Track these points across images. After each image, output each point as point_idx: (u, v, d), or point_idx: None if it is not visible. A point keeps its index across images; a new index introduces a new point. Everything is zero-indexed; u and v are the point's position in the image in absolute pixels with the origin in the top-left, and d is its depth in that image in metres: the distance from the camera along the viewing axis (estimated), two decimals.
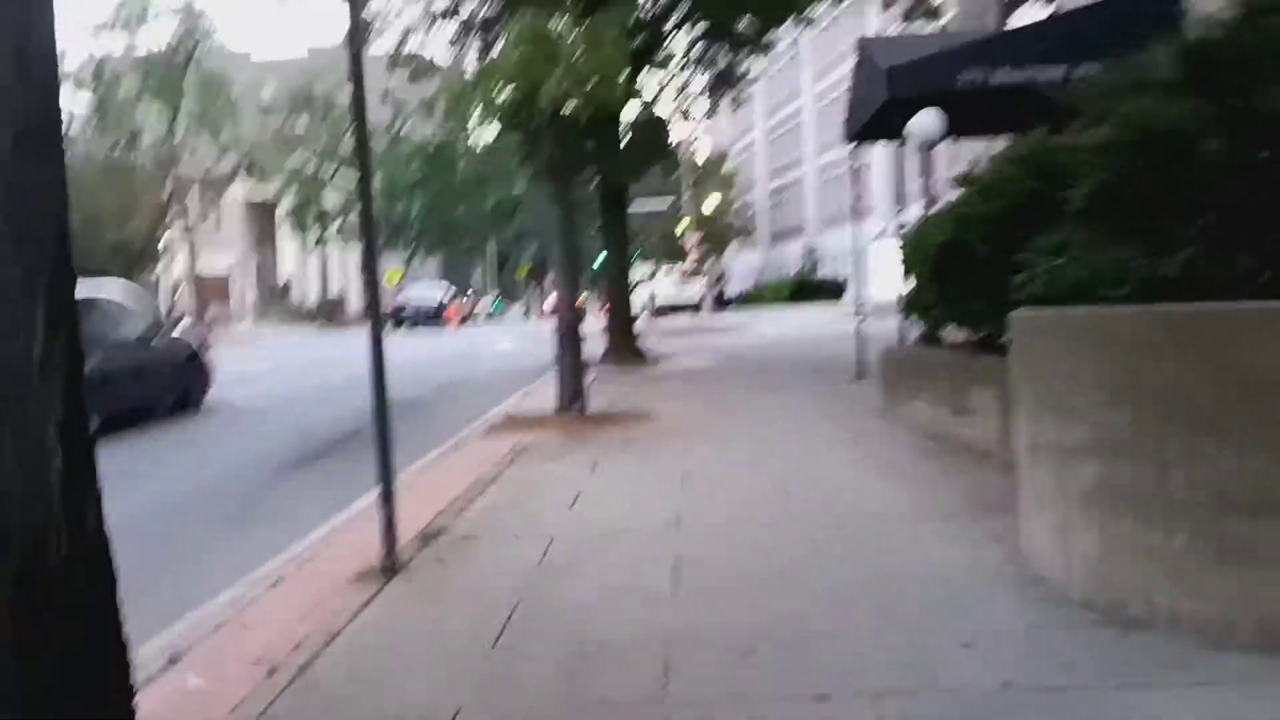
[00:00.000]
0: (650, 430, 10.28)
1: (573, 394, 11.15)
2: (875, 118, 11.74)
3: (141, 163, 41.47)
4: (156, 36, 38.91)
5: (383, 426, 5.71)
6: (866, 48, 12.28)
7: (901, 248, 9.25)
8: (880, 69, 10.91)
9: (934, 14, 18.50)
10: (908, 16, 18.18)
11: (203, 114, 41.16)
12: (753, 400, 12.36)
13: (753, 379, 14.92)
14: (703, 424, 10.49)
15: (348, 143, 57.11)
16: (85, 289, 3.95)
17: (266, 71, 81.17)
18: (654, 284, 38.33)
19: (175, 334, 16.05)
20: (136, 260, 42.07)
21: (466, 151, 66.19)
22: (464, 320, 50.00)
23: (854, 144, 14.06)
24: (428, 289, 48.91)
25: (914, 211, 11.61)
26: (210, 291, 54.26)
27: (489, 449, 9.59)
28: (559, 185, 11.24)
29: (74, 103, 38.60)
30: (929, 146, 10.45)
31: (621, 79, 10.76)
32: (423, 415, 13.23)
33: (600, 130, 14.34)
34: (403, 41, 19.61)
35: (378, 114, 75.20)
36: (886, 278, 13.62)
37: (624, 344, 18.02)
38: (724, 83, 19.06)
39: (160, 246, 39.61)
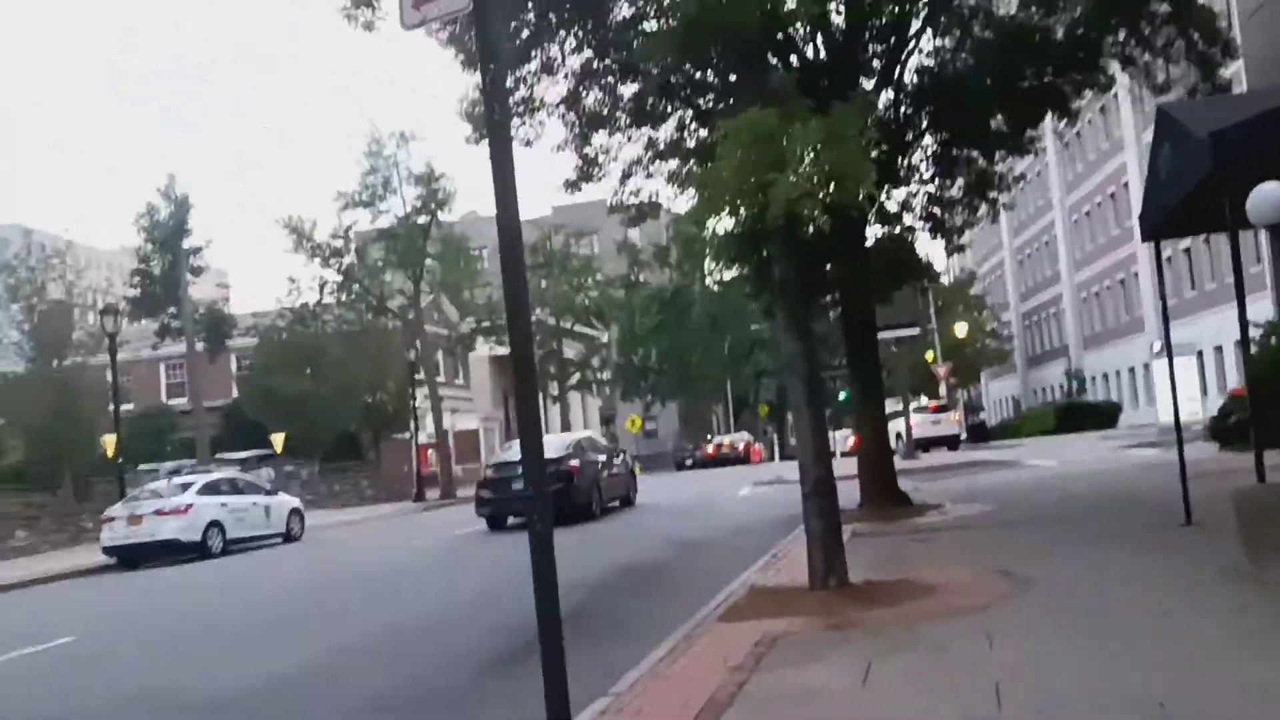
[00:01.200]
0: (933, 610, 8.04)
1: (827, 564, 9.04)
2: (1189, 200, 9.36)
3: (390, 326, 42.49)
4: (399, 204, 40.06)
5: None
6: (1169, 116, 9.96)
7: (1252, 355, 6.81)
8: (1197, 138, 8.60)
9: (1225, 88, 15.89)
10: (1192, 94, 15.62)
11: (444, 277, 41.94)
12: (1057, 559, 9.87)
13: (1047, 528, 12.34)
14: (1002, 599, 8.15)
15: (585, 296, 58.11)
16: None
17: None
18: (902, 419, 35.52)
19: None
20: (390, 420, 42.85)
21: (702, 292, 65.88)
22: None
23: (1151, 241, 11.59)
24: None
25: (1206, 322, 9.05)
26: (461, 447, 54.98)
27: (728, 641, 7.60)
28: (795, 311, 9.36)
29: (326, 273, 40.10)
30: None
31: (865, 181, 8.85)
32: (658, 585, 11.39)
33: (841, 247, 12.49)
34: (624, 183, 18.55)
35: (614, 264, 76.74)
36: (1173, 397, 11.02)
37: (883, 489, 15.70)
38: (982, 187, 16.88)
39: (413, 406, 40.08)
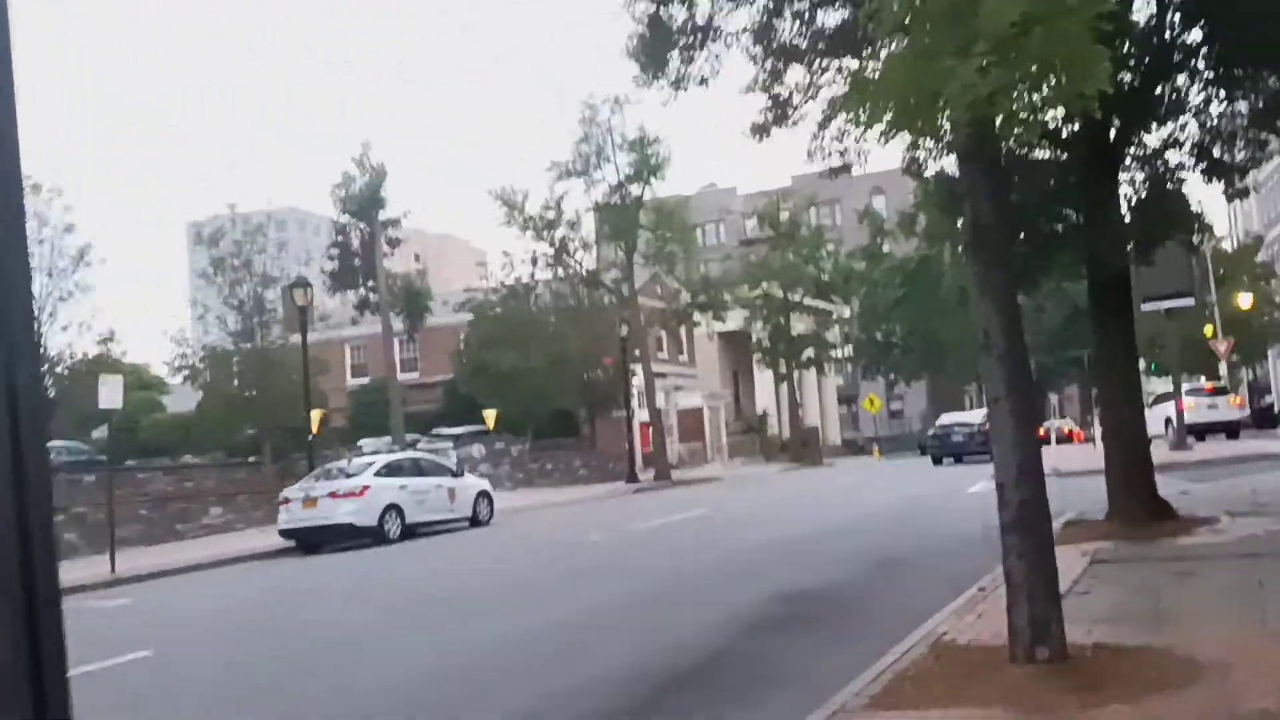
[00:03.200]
0: (1207, 707, 5.20)
1: (1035, 629, 6.25)
2: None
3: (606, 301, 40.99)
4: (613, 173, 38.35)
5: None
6: None
7: None
8: None
9: None
10: None
11: (658, 249, 39.98)
12: None
13: None
14: None
15: (818, 267, 54.90)
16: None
17: (743, 202, 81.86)
18: (1172, 403, 30.63)
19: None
20: (606, 398, 41.41)
21: (952, 261, 61.22)
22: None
23: None
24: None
25: None
26: (685, 425, 53.21)
27: None
28: (989, 262, 6.61)
29: (538, 246, 38.96)
30: None
31: (1095, 71, 5.90)
32: (807, 632, 8.80)
33: (1076, 184, 9.44)
34: (823, 128, 15.78)
35: (856, 234, 72.94)
36: None
37: (1137, 496, 12.39)
38: (1273, 114, 13.12)
39: (627, 383, 38.49)
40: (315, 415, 28.70)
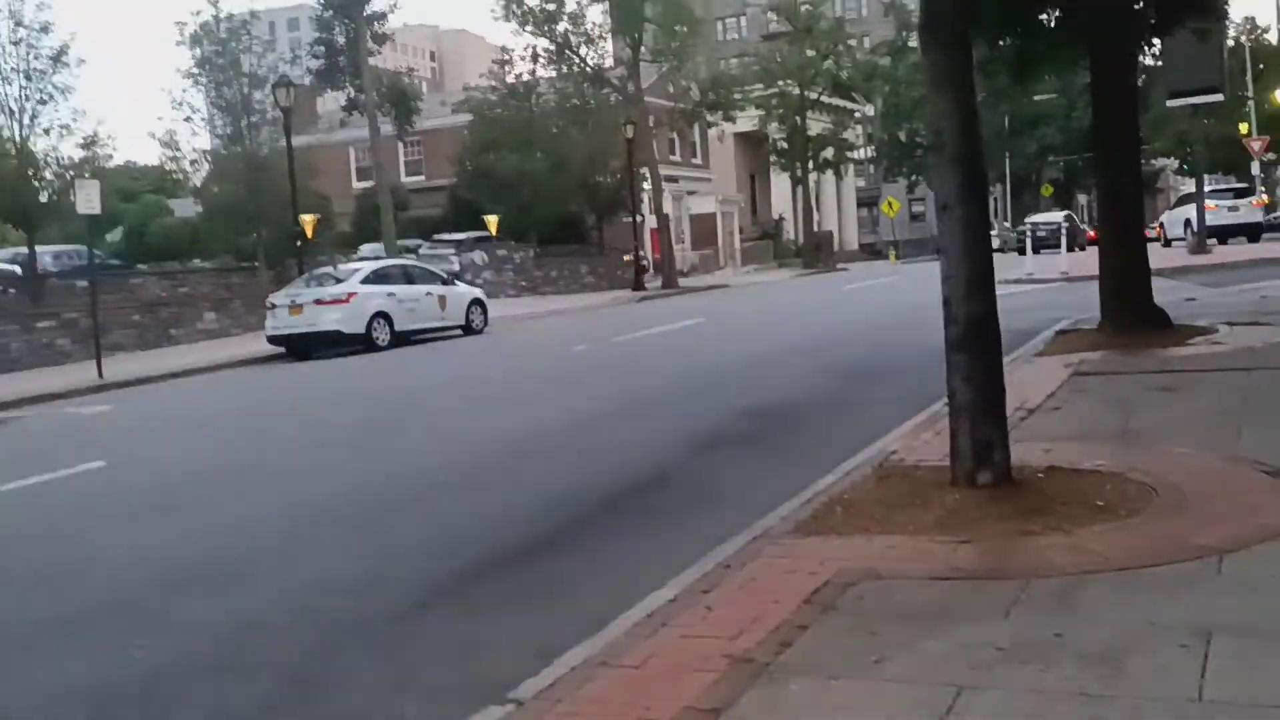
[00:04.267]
0: (1148, 542, 4.75)
1: (977, 453, 5.76)
2: None
3: (612, 100, 39.46)
4: None
5: None
6: None
7: None
8: None
9: None
10: None
11: (668, 44, 38.12)
12: None
13: None
14: (1278, 516, 4.72)
15: (837, 63, 52.63)
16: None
17: None
18: (1193, 205, 29.46)
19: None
20: (614, 203, 40.42)
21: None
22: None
23: None
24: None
25: None
26: (698, 231, 52.28)
27: (778, 584, 4.63)
28: (943, 46, 5.83)
29: (538, 42, 37.35)
30: None
31: None
32: (760, 451, 8.36)
33: None
34: None
35: (884, 28, 69.83)
36: None
37: (1130, 304, 11.72)
38: None
39: (632, 185, 37.40)
40: (307, 220, 28.08)
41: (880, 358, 13.26)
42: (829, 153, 52.39)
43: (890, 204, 60.87)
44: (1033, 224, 40.47)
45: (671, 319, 22.38)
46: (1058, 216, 44.16)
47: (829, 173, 54.82)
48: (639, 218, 38.11)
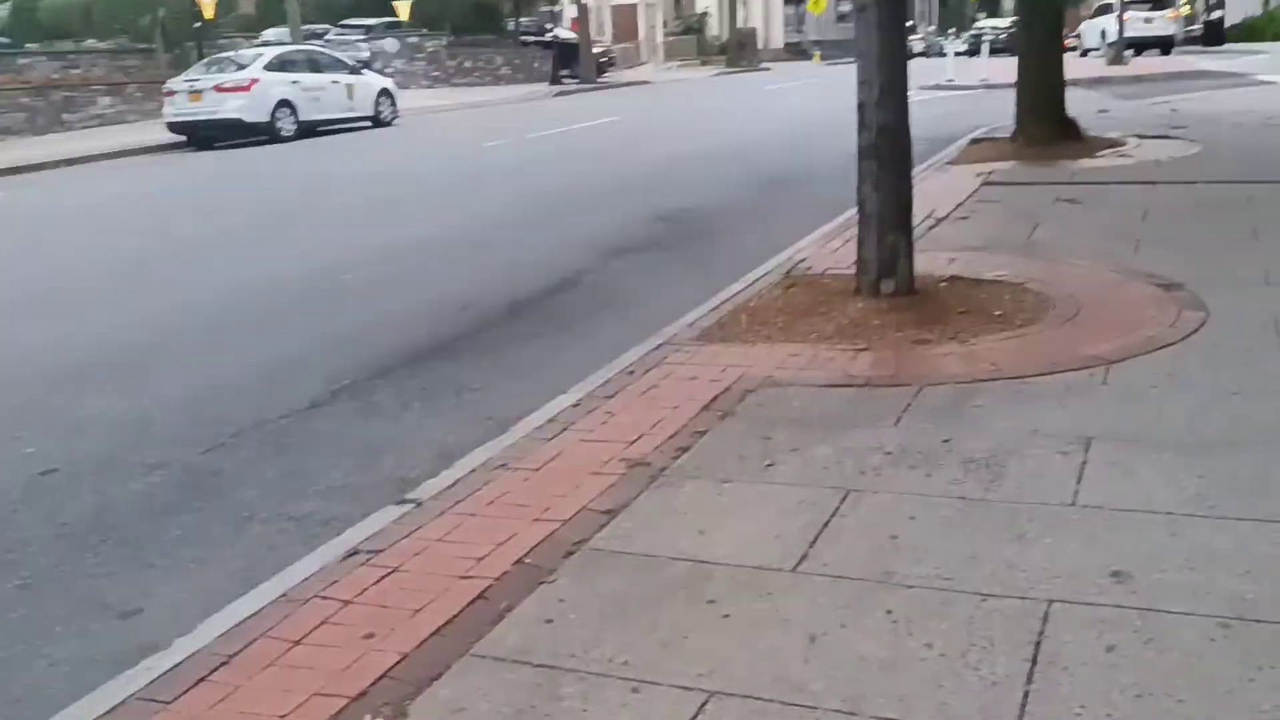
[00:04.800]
0: (1039, 352, 4.87)
1: (882, 262, 5.79)
2: None
3: None
4: None
5: None
6: None
7: None
8: None
9: None
10: None
11: None
12: (1269, 257, 6.31)
13: (1268, 199, 8.50)
14: (1151, 344, 4.85)
15: None
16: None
17: None
18: (1114, 16, 29.24)
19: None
20: None
21: None
22: None
23: None
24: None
25: None
26: (620, 23, 50.71)
27: (674, 391, 4.68)
28: None
29: None
30: None
31: None
32: (668, 259, 8.31)
33: None
34: None
35: None
36: None
37: (1043, 114, 11.71)
38: None
39: None
40: (207, 0, 26.57)
41: (798, 163, 13.15)
42: None
43: (816, 2, 59.36)
44: (991, 28, 40.76)
45: (589, 116, 21.91)
46: (1008, 23, 44.36)
47: None
48: (557, 7, 36.70)
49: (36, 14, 41.19)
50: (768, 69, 47.28)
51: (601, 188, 12.21)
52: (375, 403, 5.28)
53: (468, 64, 36.53)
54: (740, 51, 49.46)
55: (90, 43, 34.30)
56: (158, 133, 21.02)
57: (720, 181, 12.01)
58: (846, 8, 74.18)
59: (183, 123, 19.89)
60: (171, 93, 20.02)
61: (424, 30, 35.57)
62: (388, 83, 23.32)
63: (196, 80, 19.98)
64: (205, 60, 21.66)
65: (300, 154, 18.23)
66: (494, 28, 40.35)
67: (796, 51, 65.94)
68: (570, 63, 35.98)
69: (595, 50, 38.11)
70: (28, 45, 32.61)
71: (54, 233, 11.85)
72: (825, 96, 24.68)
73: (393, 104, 22.68)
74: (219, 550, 3.74)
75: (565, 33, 38.90)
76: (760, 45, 58.50)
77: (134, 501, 4.24)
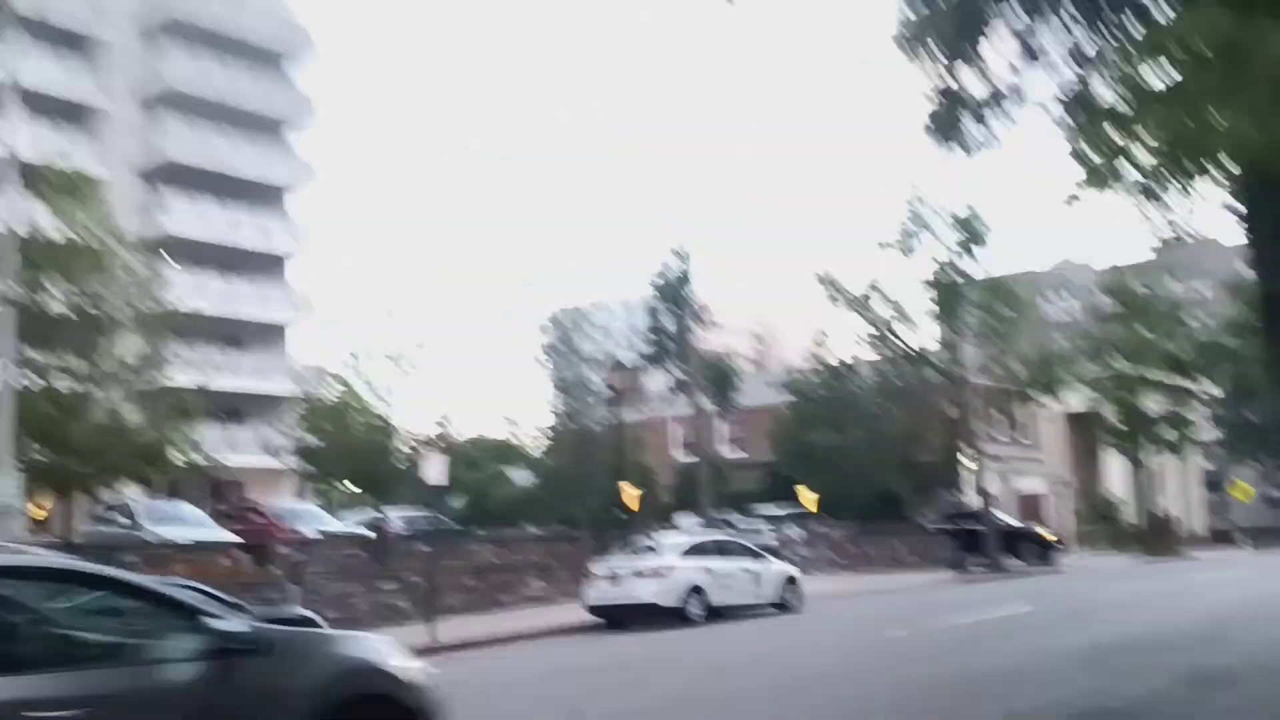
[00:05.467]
0: None
1: None
2: None
3: (931, 380, 39.50)
4: (935, 250, 37.21)
5: None
6: None
7: None
8: None
9: None
10: None
11: (991, 327, 38.20)
12: None
13: None
14: None
15: (1171, 345, 50.36)
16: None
17: (1097, 277, 76.84)
18: None
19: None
20: (934, 480, 39.71)
21: None
22: None
23: None
24: None
25: None
26: (1025, 512, 50.01)
27: None
28: None
29: (859, 325, 38.31)
30: None
31: None
32: None
33: None
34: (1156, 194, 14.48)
35: (1223, 305, 66.47)
36: None
37: None
38: None
39: (969, 463, 36.84)
40: (631, 492, 29.21)
41: (1237, 657, 11.95)
42: (1168, 433, 49.36)
43: (1241, 488, 56.08)
44: None
45: (998, 605, 21.26)
46: None
47: (1169, 454, 51.45)
48: (962, 496, 37.09)
49: (486, 503, 46.96)
50: (1195, 558, 44.30)
51: (1005, 680, 11.59)
52: None
53: (870, 550, 37.06)
54: (1159, 539, 46.93)
55: (528, 529, 38.33)
56: (579, 614, 22.58)
57: (1133, 675, 11.06)
58: (1277, 493, 69.47)
59: (603, 605, 21.28)
60: (595, 577, 21.67)
61: (828, 518, 36.87)
62: (793, 570, 24.04)
63: (617, 565, 21.57)
64: (625, 546, 23.44)
65: (703, 639, 18.78)
66: (896, 515, 41.13)
67: (1223, 538, 61.60)
68: (977, 548, 35.60)
69: (1038, 531, 37.89)
70: (477, 531, 36.91)
71: (482, 705, 12.73)
72: (1263, 587, 22.65)
73: (798, 590, 23.20)
74: None
75: (1004, 517, 38.72)
76: (1181, 533, 55.37)
77: None
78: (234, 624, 5.74)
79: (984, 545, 35.55)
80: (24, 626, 5.48)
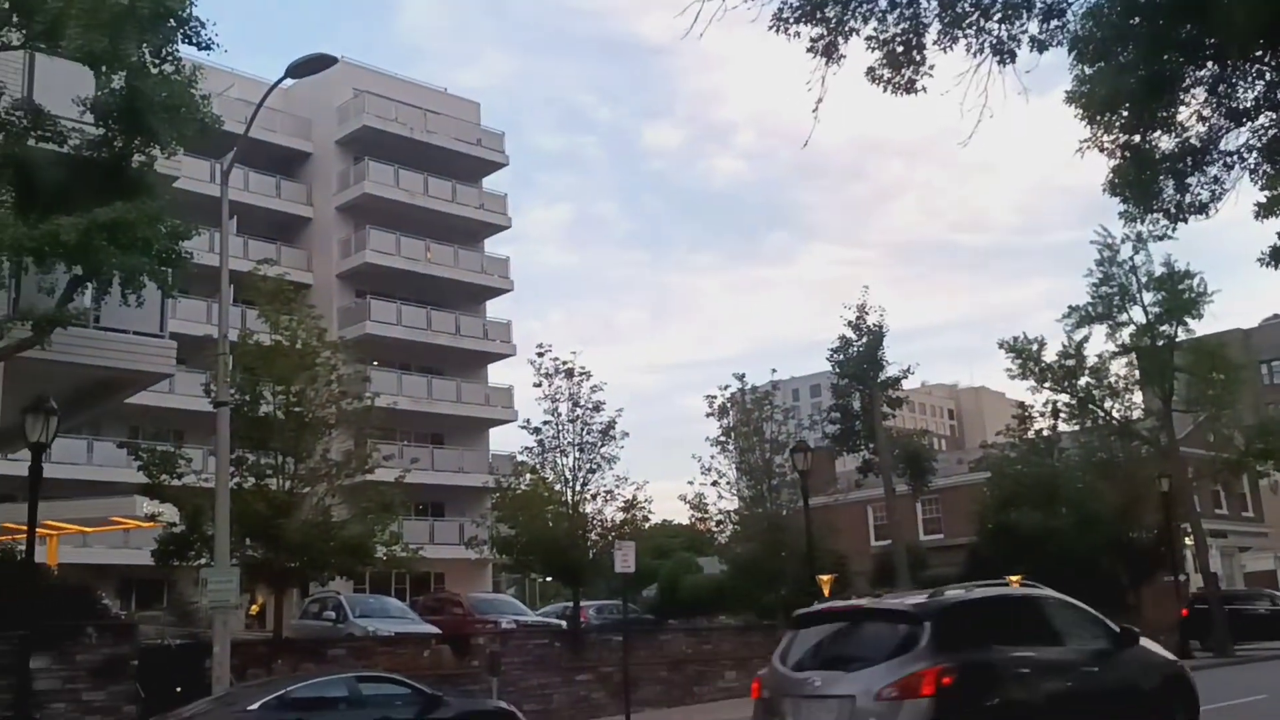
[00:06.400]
0: None
1: None
2: None
3: (1143, 451, 37.39)
4: (1139, 315, 35.49)
5: None
6: None
7: None
8: None
9: None
10: None
11: (1202, 393, 35.98)
12: None
13: None
14: None
15: None
16: None
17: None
18: None
19: None
20: (1150, 559, 37.39)
21: None
22: None
23: None
24: None
25: None
26: (1257, 585, 46.46)
27: None
28: None
29: (1059, 397, 36.77)
30: None
31: None
32: None
33: None
34: None
35: None
36: None
37: None
38: None
39: (1171, 542, 34.69)
40: (825, 579, 28.51)
41: None
42: None
43: None
44: None
45: (1232, 694, 19.68)
46: None
47: None
48: (1182, 577, 34.77)
49: (677, 592, 46.54)
50: None
51: None
52: None
53: None
54: None
55: (721, 619, 37.77)
56: None
57: None
58: None
59: None
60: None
61: None
62: None
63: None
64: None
65: None
66: (1110, 598, 38.70)
67: None
68: (1202, 633, 33.25)
69: None
70: (669, 621, 36.60)
71: None
72: None
73: None
74: None
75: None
76: None
77: None
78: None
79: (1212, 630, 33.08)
80: None
